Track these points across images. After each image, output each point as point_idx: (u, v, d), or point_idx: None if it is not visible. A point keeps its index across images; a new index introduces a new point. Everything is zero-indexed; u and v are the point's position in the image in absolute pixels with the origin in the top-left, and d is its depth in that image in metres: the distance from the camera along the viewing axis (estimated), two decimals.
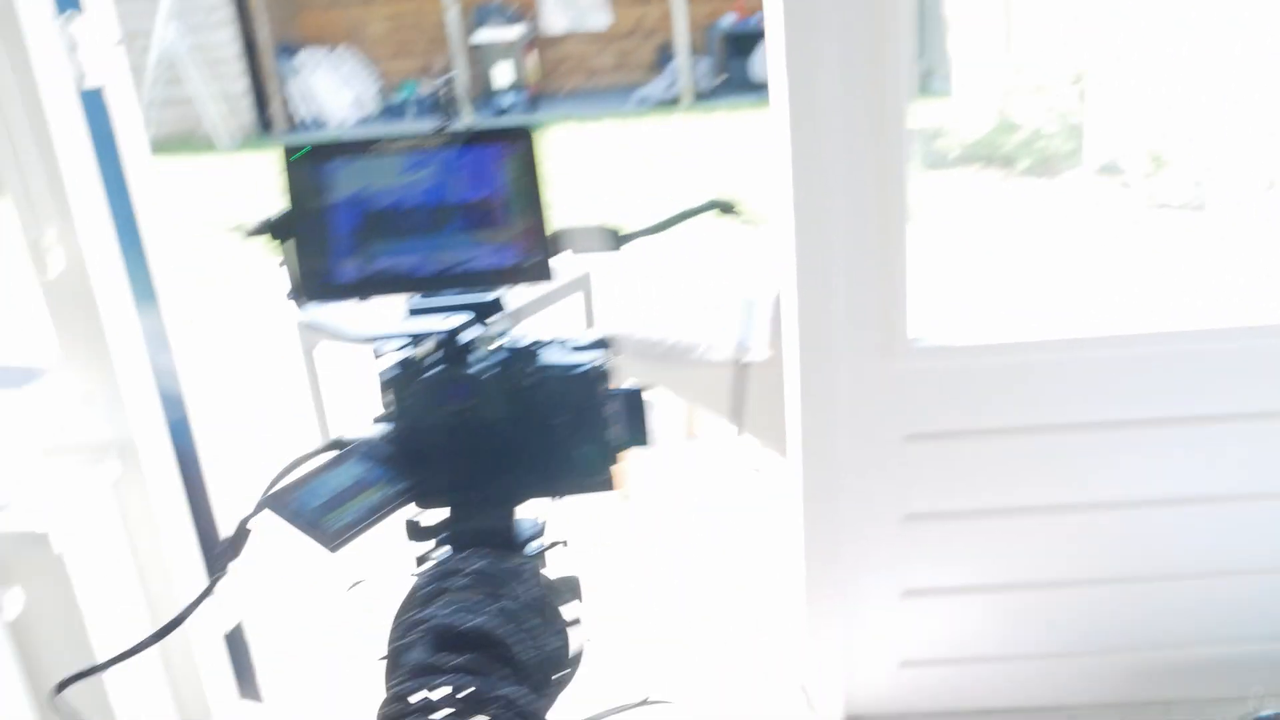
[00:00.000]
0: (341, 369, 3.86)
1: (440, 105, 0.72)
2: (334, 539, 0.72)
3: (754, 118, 9.62)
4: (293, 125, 11.42)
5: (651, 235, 0.72)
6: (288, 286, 0.72)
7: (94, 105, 1.69)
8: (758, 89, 10.78)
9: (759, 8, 11.39)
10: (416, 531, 0.83)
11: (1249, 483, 1.86)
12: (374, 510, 0.75)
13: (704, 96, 10.86)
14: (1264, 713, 1.80)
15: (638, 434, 0.82)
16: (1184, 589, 1.96)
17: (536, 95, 11.15)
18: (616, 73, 12.26)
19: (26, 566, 1.69)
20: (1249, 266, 4.75)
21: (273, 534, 0.78)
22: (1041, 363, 1.81)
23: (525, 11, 11.61)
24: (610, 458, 0.81)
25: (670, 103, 10.59)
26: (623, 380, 0.82)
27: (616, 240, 0.74)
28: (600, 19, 12.14)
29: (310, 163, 0.71)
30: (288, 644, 2.44)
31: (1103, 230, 5.60)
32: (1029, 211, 6.20)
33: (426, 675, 0.68)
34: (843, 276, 1.71)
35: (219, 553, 0.79)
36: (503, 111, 10.50)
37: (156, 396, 1.83)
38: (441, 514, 0.81)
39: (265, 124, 11.05)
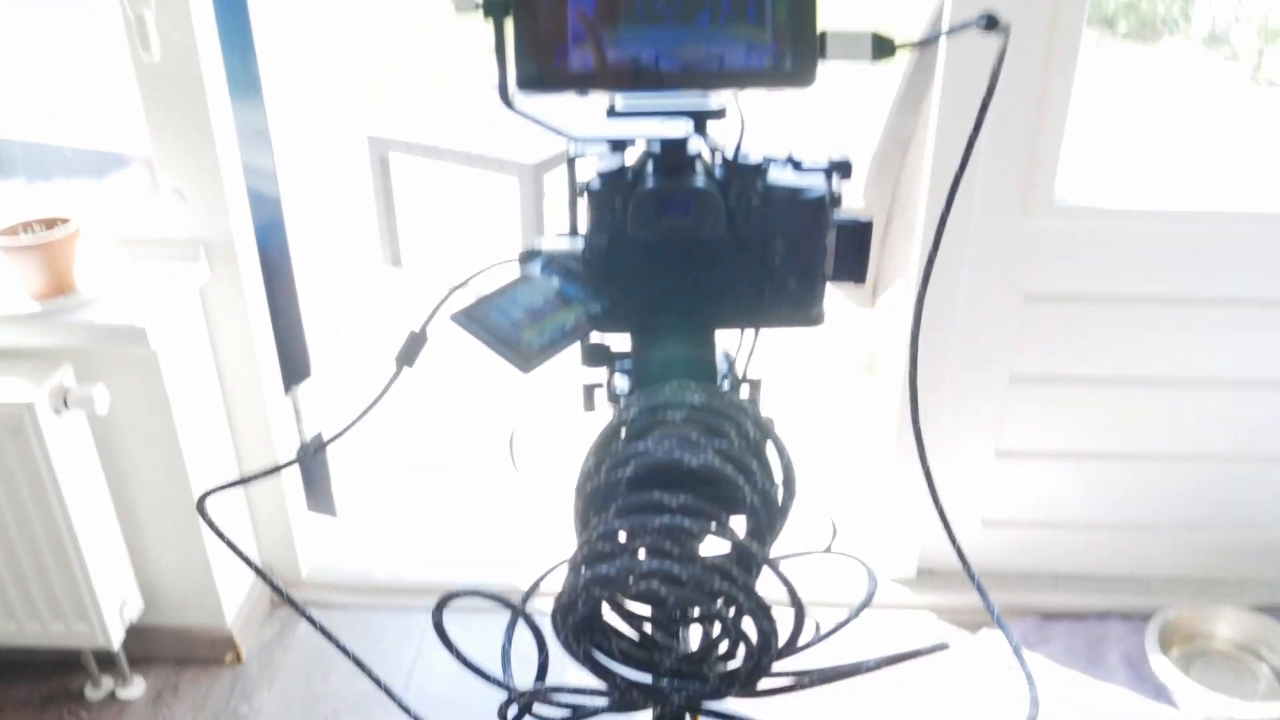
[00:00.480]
0: (411, 182, 3.79)
1: None
2: (529, 359, 0.65)
3: None
4: None
5: (918, 49, 0.62)
6: (498, 77, 0.63)
7: None
8: None
9: None
10: (598, 355, 0.77)
11: None
12: (570, 331, 0.68)
13: None
14: None
15: (856, 269, 0.75)
16: (1272, 471, 1.93)
17: None
18: None
19: (119, 361, 1.67)
20: None
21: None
22: (1177, 234, 1.71)
23: None
24: (823, 290, 0.74)
25: None
26: (849, 210, 0.74)
27: (888, 49, 0.64)
28: None
29: None
30: (363, 459, 2.45)
31: (1208, 103, 5.30)
32: (1130, 79, 5.87)
33: (646, 513, 0.63)
34: (993, 121, 1.59)
35: (397, 355, 0.73)
36: None
37: (246, 197, 1.76)
38: (631, 339, 0.75)
39: None
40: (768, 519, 0.66)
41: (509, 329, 0.66)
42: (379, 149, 3.08)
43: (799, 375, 2.69)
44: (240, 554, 0.87)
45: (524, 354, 0.65)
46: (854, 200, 2.46)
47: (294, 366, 1.98)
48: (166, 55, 1.56)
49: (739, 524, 0.66)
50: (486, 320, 0.67)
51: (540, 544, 2.17)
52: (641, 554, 0.64)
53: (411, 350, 0.73)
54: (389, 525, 2.29)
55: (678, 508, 0.62)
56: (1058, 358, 1.85)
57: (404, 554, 2.19)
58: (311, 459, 2.11)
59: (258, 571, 0.88)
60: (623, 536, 0.64)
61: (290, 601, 0.87)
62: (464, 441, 2.52)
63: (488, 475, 2.38)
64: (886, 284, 2.42)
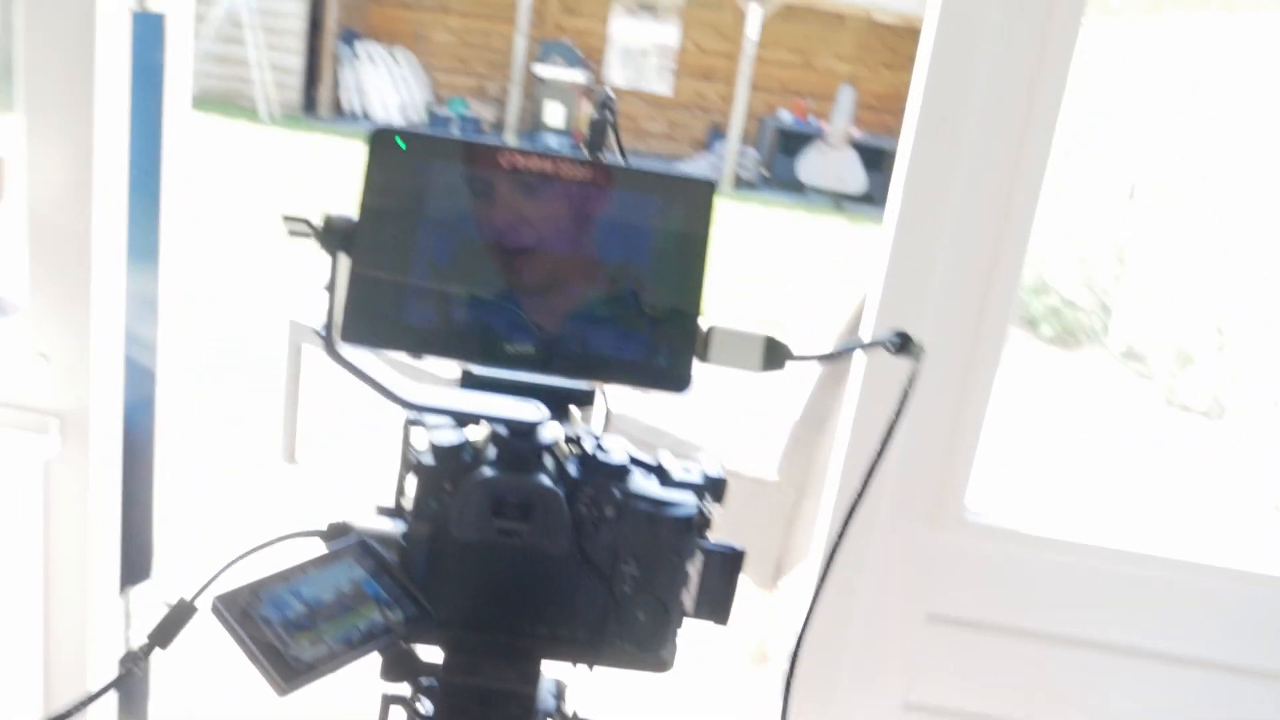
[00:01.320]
0: (328, 377, 3.66)
1: (591, 130, 0.53)
2: (290, 678, 0.51)
3: (788, 216, 9.55)
4: (338, 112, 11.31)
5: (824, 362, 0.54)
6: (326, 318, 0.52)
7: (143, 33, 1.51)
8: (798, 190, 10.77)
9: (815, 111, 11.43)
10: (402, 666, 0.62)
11: None
12: (360, 641, 0.54)
13: (744, 185, 10.83)
14: None
15: (719, 608, 0.62)
16: None
17: (580, 143, 11.11)
18: (664, 141, 12.27)
19: None
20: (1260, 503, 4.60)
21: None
22: (1091, 570, 1.63)
23: (590, 58, 11.63)
24: (676, 630, 0.61)
25: None
26: (717, 533, 0.62)
27: (779, 359, 0.54)
28: (661, 85, 12.16)
29: (410, 158, 0.51)
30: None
31: (1118, 418, 5.46)
32: (1048, 381, 6.08)
33: None
34: (906, 430, 1.52)
35: (152, 632, 0.58)
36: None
37: (122, 371, 1.61)
38: (439, 654, 0.61)
39: (310, 104, 10.94)
40: None
41: (278, 629, 0.52)
42: (297, 336, 2.97)
43: (676, 663, 2.48)
44: None
45: (286, 668, 0.51)
46: (768, 474, 2.37)
47: (135, 564, 1.77)
48: (58, 205, 1.45)
49: None
50: (253, 613, 0.53)
51: None
52: None
53: (170, 627, 0.58)
54: None
55: None
56: (957, 687, 1.71)
57: None
58: (139, 672, 1.86)
59: None
60: None
61: None
62: None
63: None
64: (790, 564, 2.30)
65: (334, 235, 0.53)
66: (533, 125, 10.85)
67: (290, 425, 3.03)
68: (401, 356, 0.56)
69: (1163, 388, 5.98)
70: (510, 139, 10.64)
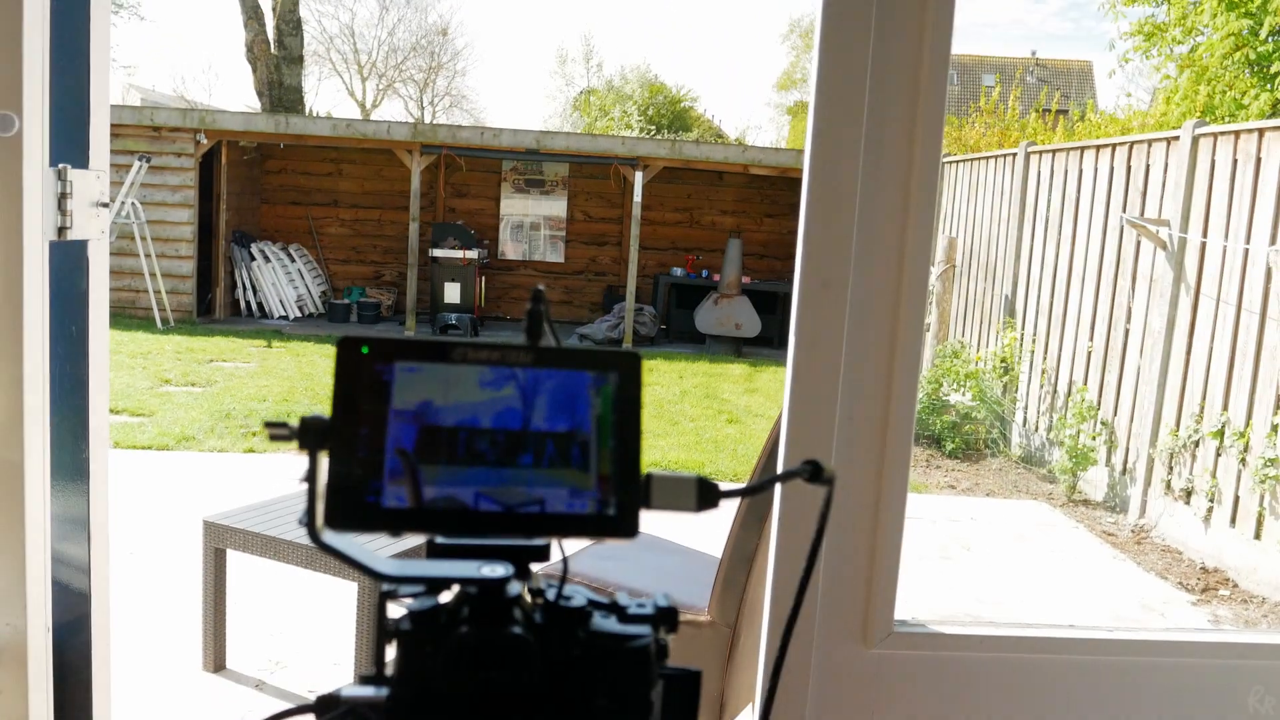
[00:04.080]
0: (246, 577, 3.58)
1: (530, 318, 0.62)
2: None
3: (689, 367, 9.79)
4: (235, 313, 11.32)
5: (745, 496, 0.62)
6: (307, 509, 0.59)
7: (63, 260, 1.58)
8: (696, 340, 11.09)
9: (706, 265, 11.90)
10: None
11: None
12: None
13: (644, 341, 11.10)
14: None
15: None
16: None
17: (481, 318, 11.30)
18: (563, 307, 12.56)
19: None
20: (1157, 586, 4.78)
21: None
22: (1022, 662, 1.70)
23: (483, 236, 11.96)
24: None
25: (612, 343, 10.78)
26: (674, 658, 0.69)
27: (714, 496, 0.63)
28: (554, 254, 12.54)
29: (372, 360, 0.60)
30: None
31: (1018, 521, 5.64)
32: (957, 497, 6.25)
33: None
34: (828, 552, 1.60)
35: None
36: (449, 328, 10.56)
37: (48, 592, 1.60)
38: None
39: (205, 308, 10.94)
40: None
41: None
42: (214, 537, 2.92)
43: None
44: None
45: None
46: (700, 615, 2.42)
47: None
48: None
49: None
50: None
51: None
52: None
53: None
54: None
55: None
56: None
57: None
58: None
59: None
60: None
61: None
62: None
63: None
64: (734, 710, 2.31)
65: (310, 435, 0.60)
66: (432, 305, 11.01)
67: (215, 632, 2.95)
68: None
69: (1063, 487, 6.23)
70: (410, 320, 10.77)
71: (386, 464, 0.59)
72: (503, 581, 0.63)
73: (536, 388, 0.62)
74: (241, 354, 9.11)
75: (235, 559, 3.03)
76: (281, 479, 5.02)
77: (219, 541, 2.91)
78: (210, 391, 7.38)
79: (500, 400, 0.61)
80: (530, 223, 12.57)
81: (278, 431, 0.60)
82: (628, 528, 0.60)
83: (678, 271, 11.88)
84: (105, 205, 1.67)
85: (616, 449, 0.62)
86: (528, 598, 0.66)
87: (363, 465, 0.59)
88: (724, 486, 0.64)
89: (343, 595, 3.35)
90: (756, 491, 0.59)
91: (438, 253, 10.63)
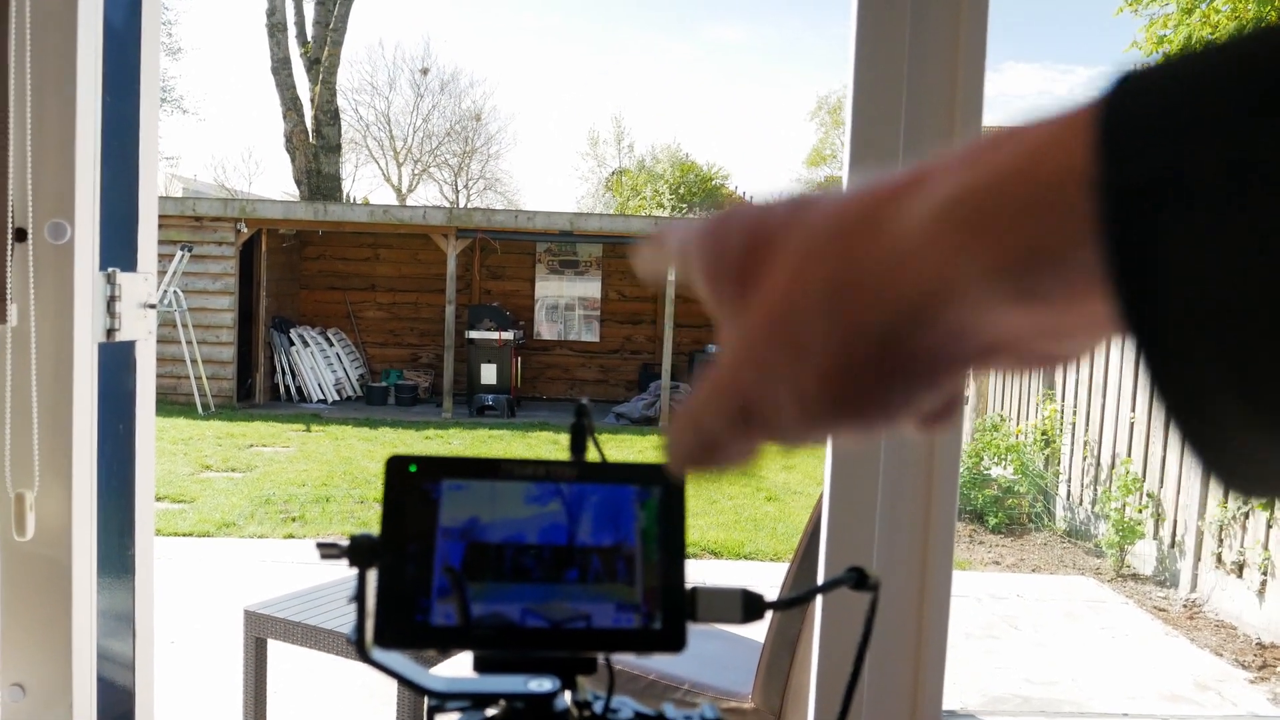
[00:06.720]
0: (287, 666, 3.58)
1: (573, 432, 0.63)
2: None
3: None
4: (275, 397, 11.47)
5: (789, 608, 0.62)
6: (356, 627, 0.59)
7: (110, 360, 1.62)
8: None
9: None
10: None
11: None
12: None
13: None
14: None
15: None
16: None
17: (518, 398, 11.37)
18: (599, 386, 12.60)
19: None
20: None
21: None
22: None
23: (518, 317, 12.09)
24: None
25: (648, 421, 10.77)
26: None
27: (760, 608, 0.63)
28: (589, 334, 12.63)
29: (420, 479, 0.61)
30: None
31: (1066, 597, 5.50)
32: (1001, 576, 6.13)
33: None
34: (876, 643, 1.58)
35: None
36: (486, 409, 10.61)
37: (95, 690, 1.61)
38: None
39: (246, 393, 11.10)
40: None
41: None
42: (255, 627, 2.93)
43: None
44: None
45: None
46: (743, 701, 2.37)
47: None
48: (35, 537, 1.50)
49: None
50: None
51: None
52: None
53: None
54: None
55: None
56: None
57: None
58: None
59: None
60: None
61: None
62: None
63: None
64: None
65: (360, 553, 0.61)
66: (469, 387, 11.10)
67: None
68: None
69: (1111, 561, 6.09)
70: (447, 402, 10.84)
71: (435, 582, 0.60)
72: (549, 696, 0.63)
73: (581, 503, 0.63)
74: (281, 438, 9.21)
75: (276, 648, 3.03)
76: (322, 565, 5.03)
77: (260, 631, 2.92)
78: (250, 477, 7.45)
79: (546, 516, 0.62)
80: (565, 303, 12.69)
81: (329, 551, 0.61)
82: (675, 642, 0.60)
83: (712, 348, 11.92)
84: (152, 306, 1.72)
85: (662, 562, 0.62)
86: (574, 711, 0.66)
87: (411, 583, 0.60)
88: (768, 597, 0.64)
89: (385, 686, 3.33)
90: (801, 602, 0.58)
91: (474, 334, 10.74)
